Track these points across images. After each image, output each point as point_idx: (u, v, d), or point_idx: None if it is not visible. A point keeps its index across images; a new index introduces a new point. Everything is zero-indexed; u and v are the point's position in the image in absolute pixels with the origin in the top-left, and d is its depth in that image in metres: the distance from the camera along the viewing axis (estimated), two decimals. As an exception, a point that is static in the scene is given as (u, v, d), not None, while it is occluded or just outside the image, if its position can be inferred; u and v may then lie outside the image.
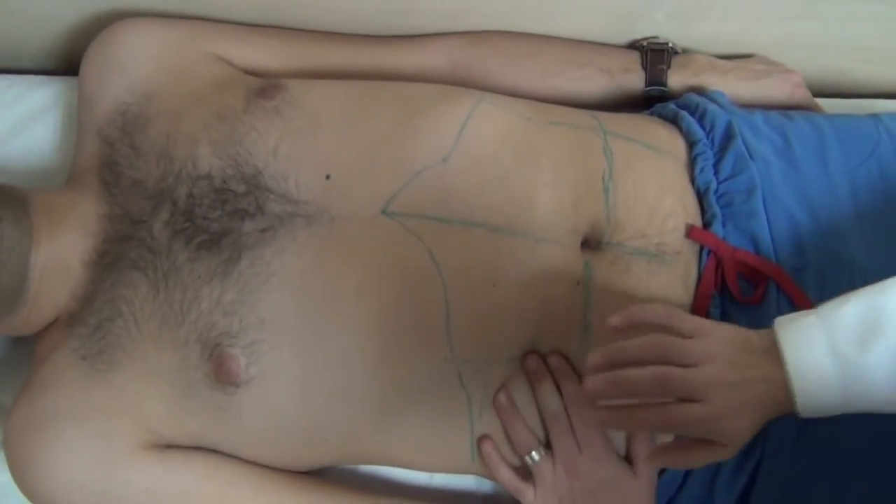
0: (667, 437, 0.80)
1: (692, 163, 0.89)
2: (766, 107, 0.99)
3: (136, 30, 0.93)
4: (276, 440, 0.82)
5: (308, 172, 0.81)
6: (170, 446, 0.82)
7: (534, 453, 0.81)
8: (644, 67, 1.00)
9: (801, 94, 1.01)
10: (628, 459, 0.83)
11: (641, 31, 1.03)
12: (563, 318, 0.80)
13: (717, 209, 0.85)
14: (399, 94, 0.88)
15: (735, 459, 0.82)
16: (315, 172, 0.81)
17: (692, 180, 0.88)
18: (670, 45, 1.01)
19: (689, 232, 0.84)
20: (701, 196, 0.87)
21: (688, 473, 0.84)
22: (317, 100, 0.86)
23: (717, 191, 0.86)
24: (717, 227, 0.84)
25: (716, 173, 0.87)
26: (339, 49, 0.99)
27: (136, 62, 0.91)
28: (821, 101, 1.04)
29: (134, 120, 0.88)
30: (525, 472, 0.82)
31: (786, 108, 1.00)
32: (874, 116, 0.94)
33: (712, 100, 0.95)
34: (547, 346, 0.80)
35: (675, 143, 0.90)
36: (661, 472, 0.84)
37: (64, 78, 1.08)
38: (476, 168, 0.82)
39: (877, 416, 0.81)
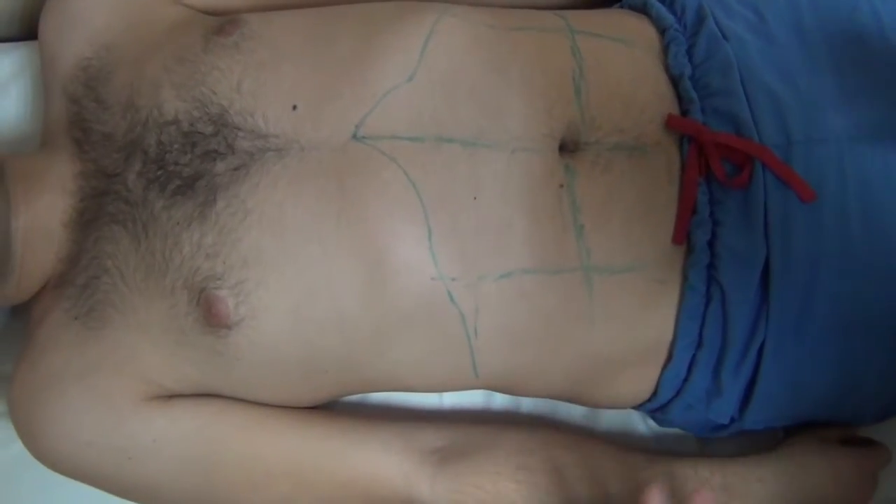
0: None
1: (665, 50, 0.86)
2: (742, -14, 0.96)
3: None
4: (276, 378, 0.82)
5: (274, 105, 0.80)
6: (173, 396, 0.83)
7: None
8: None
9: None
10: None
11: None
12: (552, 223, 0.79)
13: (693, 94, 0.83)
14: (358, 17, 0.86)
15: (739, 346, 0.82)
16: (281, 104, 0.80)
17: (667, 69, 0.85)
18: (638, -67, 0.98)
19: (668, 121, 0.82)
20: (676, 83, 0.84)
21: (692, 364, 0.83)
22: (277, 31, 0.84)
23: (692, 76, 0.84)
24: (695, 112, 0.82)
25: (690, 59, 0.85)
26: None
27: (92, 14, 0.89)
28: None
29: (96, 74, 0.87)
30: None
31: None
32: (849, -20, 0.91)
33: (683, -17, 0.92)
34: (542, 254, 0.79)
35: (645, 33, 0.88)
36: (665, 366, 0.84)
37: (30, 43, 1.06)
38: (443, 83, 0.80)
39: (880, 290, 0.81)
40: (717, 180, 0.81)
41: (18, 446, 0.84)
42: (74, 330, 0.81)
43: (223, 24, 0.85)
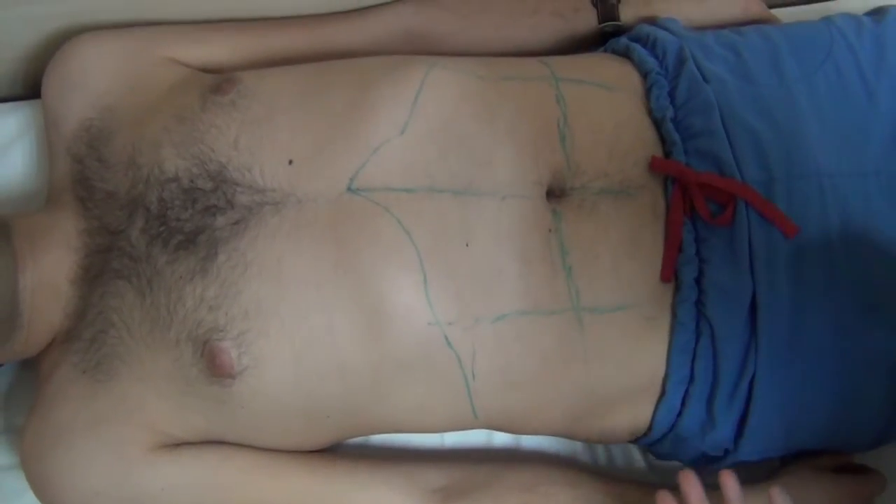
0: None
1: (648, 93, 0.89)
2: (723, 26, 0.98)
3: (90, 45, 0.94)
4: (279, 424, 0.84)
5: (271, 160, 0.82)
6: (180, 444, 0.85)
7: None
8: (595, 4, 1.00)
9: (756, 9, 1.01)
10: None
11: (588, -30, 1.02)
12: (542, 267, 0.81)
13: (676, 136, 0.85)
14: (351, 71, 0.89)
15: (730, 379, 0.83)
16: (277, 159, 0.82)
17: (649, 112, 0.88)
18: (620, -22, 1.01)
19: (651, 163, 0.84)
20: (659, 126, 0.87)
21: (685, 399, 0.85)
22: (271, 87, 0.87)
23: (674, 118, 0.86)
24: (678, 154, 0.84)
25: (672, 101, 0.87)
26: (291, 33, 0.99)
27: (93, 77, 0.92)
28: (777, 12, 1.03)
29: (98, 134, 0.90)
30: None
31: (742, 24, 0.99)
32: (826, 19, 0.93)
33: (663, 27, 0.94)
34: (534, 297, 0.81)
35: (628, 78, 0.90)
36: (659, 400, 0.85)
37: (33, 102, 1.08)
38: (434, 135, 0.83)
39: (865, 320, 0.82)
40: (701, 219, 0.83)
41: (30, 497, 0.86)
42: (83, 383, 0.84)
43: (220, 83, 0.87)
